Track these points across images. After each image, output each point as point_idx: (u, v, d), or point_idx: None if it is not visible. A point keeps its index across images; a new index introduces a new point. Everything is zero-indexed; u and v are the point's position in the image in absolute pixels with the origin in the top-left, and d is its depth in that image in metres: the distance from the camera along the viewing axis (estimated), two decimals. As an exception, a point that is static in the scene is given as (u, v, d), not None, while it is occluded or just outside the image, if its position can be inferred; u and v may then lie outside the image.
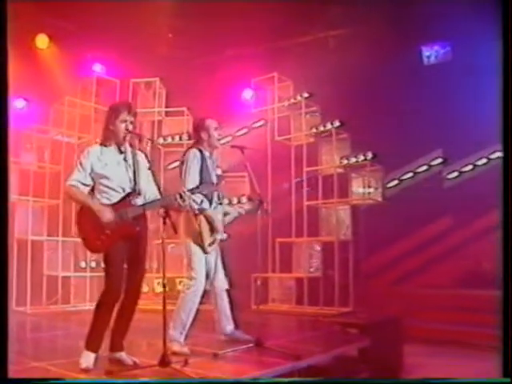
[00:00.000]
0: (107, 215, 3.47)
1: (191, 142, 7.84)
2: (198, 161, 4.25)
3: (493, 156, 12.86)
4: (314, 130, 7.89)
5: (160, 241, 6.83)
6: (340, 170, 7.78)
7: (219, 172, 4.60)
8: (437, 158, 12.14)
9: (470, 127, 10.13)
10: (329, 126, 7.75)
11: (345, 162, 7.69)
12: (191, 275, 4.17)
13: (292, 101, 8.08)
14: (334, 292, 7.19)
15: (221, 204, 4.41)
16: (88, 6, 6.94)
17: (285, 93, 8.32)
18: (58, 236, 7.11)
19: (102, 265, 3.80)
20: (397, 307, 7.42)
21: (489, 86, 9.74)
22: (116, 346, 3.67)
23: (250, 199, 5.89)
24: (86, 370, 3.40)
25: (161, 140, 7.79)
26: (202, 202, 4.15)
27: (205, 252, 4.18)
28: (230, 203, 6.84)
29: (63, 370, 3.49)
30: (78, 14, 7.09)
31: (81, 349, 4.18)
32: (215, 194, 4.35)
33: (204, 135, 4.36)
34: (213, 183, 4.24)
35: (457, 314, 7.60)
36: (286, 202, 7.86)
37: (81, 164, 3.60)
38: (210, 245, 4.20)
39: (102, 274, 7.20)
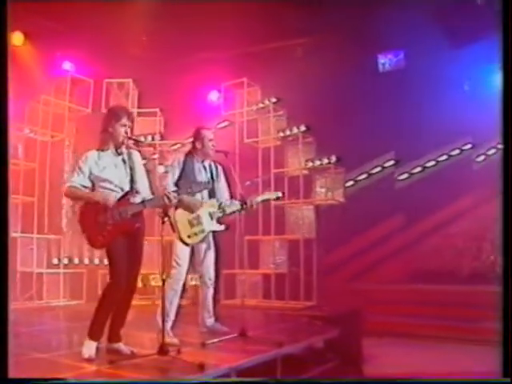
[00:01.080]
0: (111, 198, 3.70)
1: (163, 142, 8.21)
2: (180, 165, 4.59)
3: (441, 158, 13.82)
4: (281, 134, 8.29)
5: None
6: (305, 172, 8.22)
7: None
8: (389, 160, 12.92)
9: (419, 131, 10.90)
10: (295, 130, 8.17)
11: (310, 164, 8.13)
12: (173, 264, 4.47)
13: (260, 105, 8.45)
14: (300, 287, 7.62)
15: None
16: (64, 6, 7.05)
17: (253, 97, 8.69)
18: (32, 233, 7.18)
19: (105, 261, 4.00)
20: (355, 301, 7.95)
21: (438, 93, 10.57)
22: (114, 337, 3.91)
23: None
24: (88, 360, 3.64)
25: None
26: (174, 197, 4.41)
27: (185, 244, 4.47)
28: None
29: (66, 360, 3.73)
30: (54, 13, 7.17)
31: (66, 342, 4.40)
32: (201, 195, 4.63)
33: (198, 144, 4.70)
34: (198, 183, 4.49)
35: (409, 307, 8.20)
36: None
37: (80, 168, 3.80)
38: (189, 236, 4.46)
39: (75, 270, 7.42)
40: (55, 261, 7.35)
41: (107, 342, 3.91)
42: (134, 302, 4.46)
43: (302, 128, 8.14)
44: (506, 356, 2.98)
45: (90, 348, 3.72)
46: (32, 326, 5.75)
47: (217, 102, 9.30)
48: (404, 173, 13.30)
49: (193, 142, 4.79)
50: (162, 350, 3.67)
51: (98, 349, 3.77)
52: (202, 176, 4.72)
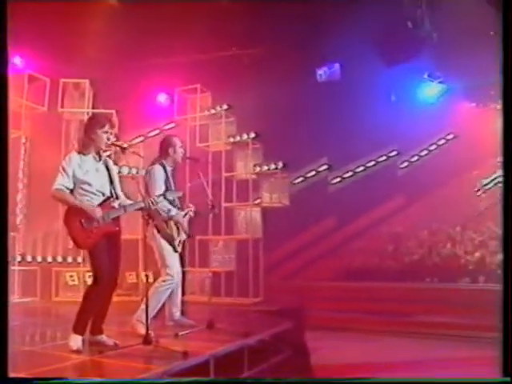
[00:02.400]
0: (98, 212, 3.99)
1: (118, 143, 8.37)
2: (162, 175, 4.92)
3: (369, 164, 14.92)
4: (232, 140, 8.74)
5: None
6: (253, 176, 8.73)
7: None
8: (323, 164, 13.83)
9: (350, 138, 11.84)
10: (245, 136, 8.65)
11: (258, 169, 8.65)
12: (167, 272, 4.80)
13: (212, 111, 8.84)
14: (248, 284, 8.11)
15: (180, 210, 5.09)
16: (22, 5, 7.08)
17: (204, 102, 9.07)
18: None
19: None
20: (297, 297, 8.58)
21: (368, 103, 11.55)
22: (97, 330, 4.21)
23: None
24: (77, 352, 3.92)
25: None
26: (169, 210, 4.81)
27: (175, 251, 4.85)
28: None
29: (54, 352, 3.99)
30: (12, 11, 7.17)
31: (44, 336, 4.60)
32: (178, 201, 5.02)
33: (171, 151, 5.04)
34: (172, 191, 4.87)
35: (344, 303, 8.95)
36: (203, 203, 8.59)
37: (64, 170, 4.03)
38: (178, 244, 4.89)
39: (28, 268, 7.47)
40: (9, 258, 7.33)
41: (90, 334, 4.19)
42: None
43: (252, 134, 8.62)
44: (505, 356, 3.00)
45: (76, 341, 3.99)
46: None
47: (166, 104, 9.64)
48: (336, 177, 14.28)
49: (164, 150, 5.08)
50: (147, 340, 4.03)
51: (84, 341, 4.06)
52: (173, 184, 5.07)
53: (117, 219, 4.19)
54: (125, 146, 4.52)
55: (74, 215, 4.01)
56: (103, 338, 4.21)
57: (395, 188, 13.80)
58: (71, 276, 7.39)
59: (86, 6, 7.98)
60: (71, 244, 7.64)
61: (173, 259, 4.85)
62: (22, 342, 4.48)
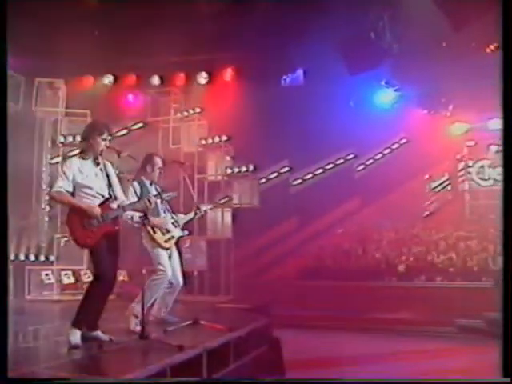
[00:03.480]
0: (96, 210, 4.13)
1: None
2: (137, 191, 5.07)
3: (328, 167, 15.41)
4: (203, 142, 8.98)
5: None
6: (225, 178, 9.00)
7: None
8: (284, 166, 14.21)
9: (311, 141, 12.27)
10: (217, 139, 8.91)
11: (229, 171, 8.93)
12: (159, 268, 5.00)
13: (185, 114, 9.05)
14: (220, 282, 8.38)
15: (169, 212, 5.30)
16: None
17: (179, 105, 9.27)
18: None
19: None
20: (265, 296, 8.88)
21: (328, 107, 12.01)
22: (93, 326, 4.37)
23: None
24: (75, 347, 4.06)
25: (61, 138, 8.15)
26: (132, 216, 4.78)
27: (163, 248, 5.06)
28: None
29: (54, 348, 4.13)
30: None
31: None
32: (161, 207, 5.18)
33: (148, 168, 5.20)
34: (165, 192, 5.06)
35: (306, 301, 9.33)
36: (175, 203, 8.78)
37: (64, 173, 4.18)
38: (166, 241, 5.10)
39: None
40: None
41: (86, 330, 4.33)
42: (66, 298, 4.85)
43: (224, 137, 8.89)
44: (505, 356, 3.04)
45: (75, 336, 4.12)
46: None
47: (139, 105, 9.76)
48: (297, 179, 14.70)
49: (143, 165, 5.22)
50: (143, 334, 4.23)
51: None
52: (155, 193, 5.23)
53: (116, 219, 4.36)
54: (121, 149, 4.67)
55: (76, 216, 4.15)
56: (99, 333, 4.33)
57: (351, 190, 14.33)
58: (47, 275, 7.42)
59: (61, 5, 8.00)
60: (44, 242, 7.81)
61: (163, 257, 5.04)
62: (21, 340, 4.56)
